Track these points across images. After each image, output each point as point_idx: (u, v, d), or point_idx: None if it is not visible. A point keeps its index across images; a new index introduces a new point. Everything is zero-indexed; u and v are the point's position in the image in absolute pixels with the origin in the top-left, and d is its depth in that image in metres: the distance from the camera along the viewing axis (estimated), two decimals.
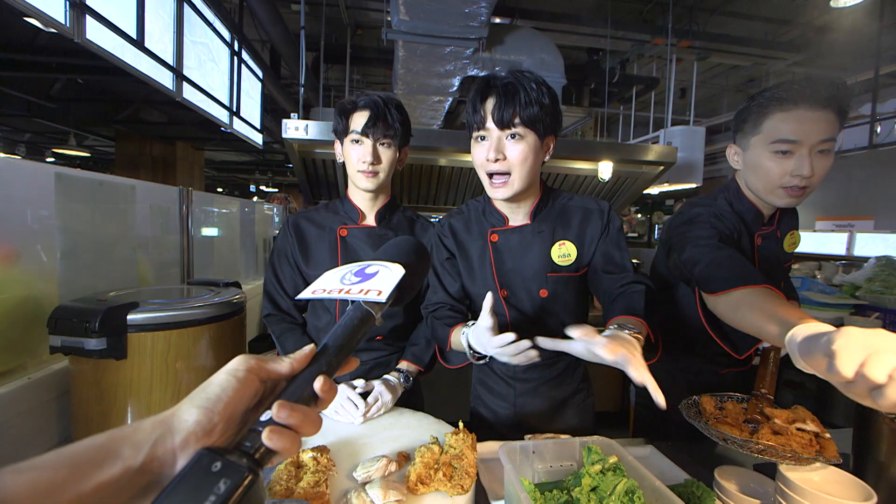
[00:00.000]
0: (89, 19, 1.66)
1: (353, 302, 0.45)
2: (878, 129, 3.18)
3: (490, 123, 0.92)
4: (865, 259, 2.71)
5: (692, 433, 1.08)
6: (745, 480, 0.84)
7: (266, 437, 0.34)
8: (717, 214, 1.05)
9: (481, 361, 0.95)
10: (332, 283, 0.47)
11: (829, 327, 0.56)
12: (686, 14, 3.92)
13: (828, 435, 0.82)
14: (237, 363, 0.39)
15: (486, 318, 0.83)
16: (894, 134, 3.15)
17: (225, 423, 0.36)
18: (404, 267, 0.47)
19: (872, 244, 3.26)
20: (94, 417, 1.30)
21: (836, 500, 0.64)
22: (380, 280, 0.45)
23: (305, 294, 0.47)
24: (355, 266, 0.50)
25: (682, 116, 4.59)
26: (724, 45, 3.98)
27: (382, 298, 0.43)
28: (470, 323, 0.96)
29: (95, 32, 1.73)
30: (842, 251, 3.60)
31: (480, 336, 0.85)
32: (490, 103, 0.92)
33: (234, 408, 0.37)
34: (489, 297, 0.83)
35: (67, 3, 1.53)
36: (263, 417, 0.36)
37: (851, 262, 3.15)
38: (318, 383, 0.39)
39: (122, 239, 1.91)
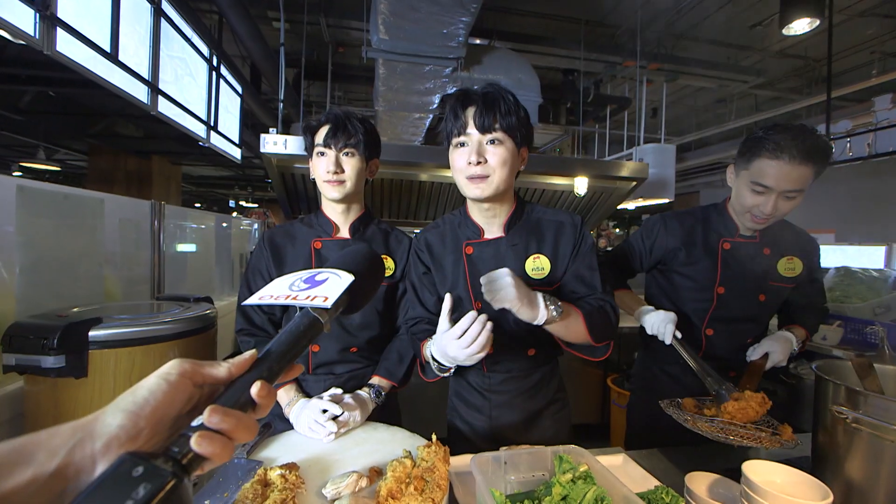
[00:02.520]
0: (60, 31, 1.64)
1: (301, 308, 0.45)
2: (832, 148, 3.39)
3: (471, 129, 0.94)
4: (826, 270, 2.84)
5: (679, 437, 1.14)
6: (714, 485, 0.85)
7: (194, 442, 0.33)
8: (656, 222, 1.37)
9: (446, 374, 0.95)
10: (279, 290, 0.47)
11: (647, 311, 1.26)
12: (654, 39, 4.13)
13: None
14: (170, 367, 0.38)
15: (444, 323, 0.86)
16: (846, 153, 3.36)
17: (152, 428, 0.35)
18: (354, 274, 0.48)
19: (833, 256, 3.43)
20: None
21: (794, 500, 0.66)
22: (328, 287, 0.46)
23: (252, 300, 0.47)
24: (306, 273, 0.50)
25: (654, 135, 4.78)
26: (691, 67, 4.20)
27: (328, 305, 0.43)
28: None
29: (66, 45, 1.70)
30: None
31: (440, 340, 0.86)
32: (471, 110, 0.95)
33: (164, 412, 0.36)
34: (447, 300, 0.86)
35: (37, 14, 1.51)
36: (195, 422, 0.35)
37: None
38: (255, 388, 0.38)
39: (88, 254, 1.84)
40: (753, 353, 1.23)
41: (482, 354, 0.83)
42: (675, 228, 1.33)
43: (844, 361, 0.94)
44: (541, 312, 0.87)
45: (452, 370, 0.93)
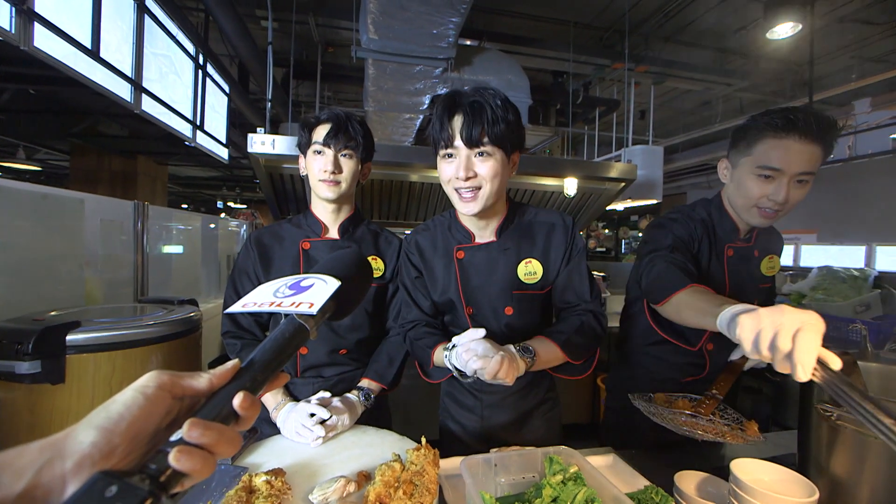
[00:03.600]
0: (38, 26, 1.59)
1: (286, 315, 0.44)
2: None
3: (458, 142, 0.91)
4: (809, 269, 2.90)
5: (656, 438, 1.13)
6: (703, 484, 0.86)
7: (173, 458, 0.31)
8: (685, 221, 1.15)
9: (469, 380, 0.93)
10: (264, 297, 0.46)
11: (743, 307, 0.69)
12: (642, 41, 4.18)
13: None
14: (147, 379, 0.37)
15: (477, 349, 0.87)
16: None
17: (128, 444, 0.33)
18: (341, 280, 0.47)
19: (815, 255, 3.52)
20: None
21: (781, 497, 0.66)
22: (313, 293, 0.44)
23: (235, 308, 0.45)
24: (291, 279, 0.49)
25: (642, 136, 4.84)
26: (677, 70, 4.26)
27: (313, 311, 0.42)
28: (450, 345, 0.95)
29: (45, 40, 1.65)
30: (789, 262, 3.86)
31: (471, 364, 0.86)
32: (458, 121, 0.92)
33: (140, 428, 0.34)
34: (480, 332, 0.88)
35: (13, 8, 1.46)
36: (174, 437, 0.34)
37: (797, 272, 3.39)
38: (238, 400, 0.37)
39: (68, 256, 1.78)
40: (734, 354, 1.18)
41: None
42: (692, 228, 1.15)
43: None
44: (521, 365, 0.89)
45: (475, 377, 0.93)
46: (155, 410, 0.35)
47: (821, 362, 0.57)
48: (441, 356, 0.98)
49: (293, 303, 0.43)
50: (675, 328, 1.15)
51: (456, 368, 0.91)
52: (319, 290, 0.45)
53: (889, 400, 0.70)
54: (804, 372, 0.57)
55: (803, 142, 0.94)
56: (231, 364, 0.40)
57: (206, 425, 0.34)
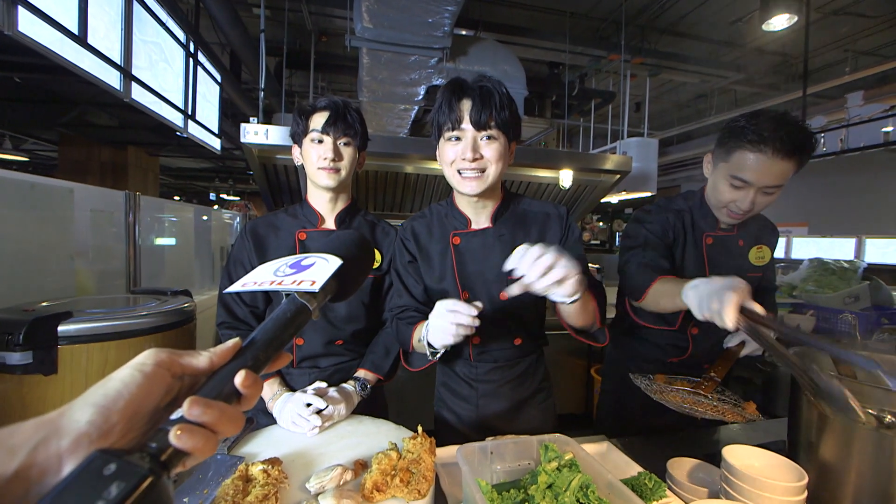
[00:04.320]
0: (22, 10, 1.55)
1: (288, 295, 0.43)
2: (817, 140, 3.47)
3: (466, 124, 0.94)
4: (800, 261, 2.94)
5: (649, 421, 1.16)
6: (694, 470, 0.87)
7: (174, 436, 0.31)
8: (659, 212, 1.24)
9: (436, 356, 0.94)
10: (264, 276, 0.45)
11: (695, 282, 0.86)
12: (638, 33, 4.17)
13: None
14: (145, 357, 0.36)
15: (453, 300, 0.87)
16: (821, 148, 3.47)
17: (126, 423, 0.32)
18: (342, 259, 0.46)
19: (806, 248, 3.56)
20: None
21: (770, 481, 0.68)
22: (315, 271, 0.44)
23: (235, 287, 0.45)
24: (292, 258, 0.48)
25: (638, 129, 4.84)
26: (673, 62, 4.26)
27: (315, 288, 0.41)
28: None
29: (30, 25, 1.61)
30: (780, 254, 3.92)
31: (441, 314, 0.86)
32: (466, 104, 0.94)
33: (139, 406, 0.33)
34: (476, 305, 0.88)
35: None
36: (175, 416, 0.33)
37: (789, 264, 3.44)
38: (240, 378, 0.36)
39: (58, 246, 1.76)
40: (730, 341, 1.19)
41: (464, 328, 0.85)
42: (665, 219, 1.23)
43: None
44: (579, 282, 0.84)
45: (440, 354, 0.93)
46: (153, 389, 0.34)
47: (746, 314, 0.75)
48: (419, 333, 0.96)
49: (294, 281, 0.42)
50: (654, 315, 1.25)
51: (427, 342, 0.90)
52: (321, 268, 0.44)
53: (878, 386, 0.71)
54: (730, 321, 0.74)
55: (775, 158, 0.99)
56: (232, 342, 0.39)
57: (208, 403, 0.33)
